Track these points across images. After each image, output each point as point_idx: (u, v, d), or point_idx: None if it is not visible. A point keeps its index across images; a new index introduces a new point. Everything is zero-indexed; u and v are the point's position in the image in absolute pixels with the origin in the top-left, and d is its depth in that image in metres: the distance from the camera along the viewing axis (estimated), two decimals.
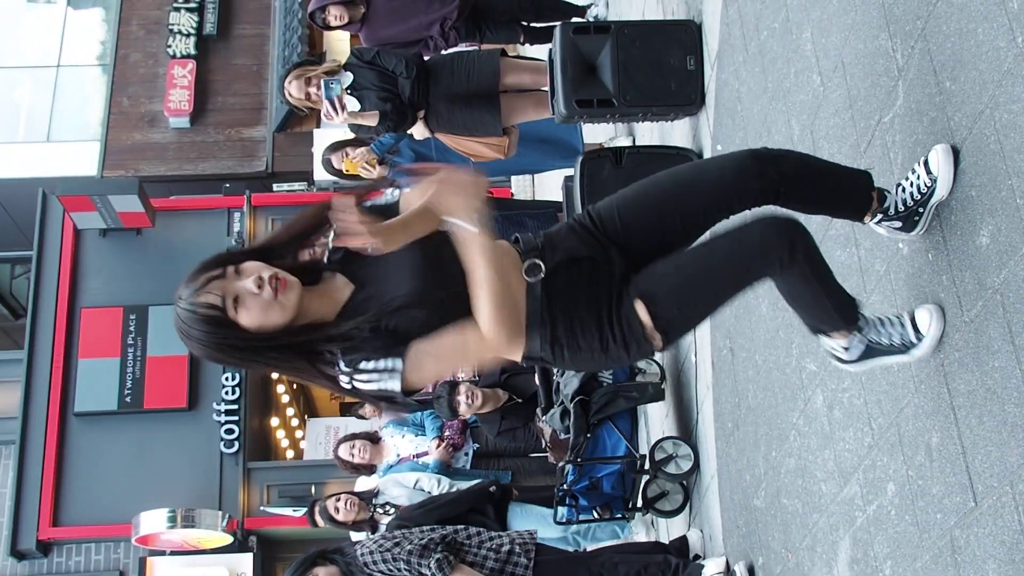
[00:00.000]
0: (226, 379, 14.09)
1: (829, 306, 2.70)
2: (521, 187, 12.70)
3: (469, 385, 6.87)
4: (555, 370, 5.88)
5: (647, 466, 5.43)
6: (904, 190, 2.74)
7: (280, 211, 15.61)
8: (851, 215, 2.85)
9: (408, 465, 6.94)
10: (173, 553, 13.69)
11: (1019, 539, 2.31)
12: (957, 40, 2.55)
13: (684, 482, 5.54)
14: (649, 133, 6.17)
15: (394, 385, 2.47)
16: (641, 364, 5.95)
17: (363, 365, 2.46)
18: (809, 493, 3.65)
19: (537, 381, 6.21)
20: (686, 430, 5.52)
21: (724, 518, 4.79)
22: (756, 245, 2.56)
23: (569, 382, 5.67)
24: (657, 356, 6.03)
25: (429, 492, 6.49)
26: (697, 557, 5.18)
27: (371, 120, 5.83)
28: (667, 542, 5.54)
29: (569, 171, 5.72)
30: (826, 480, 3.48)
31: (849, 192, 2.78)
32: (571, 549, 6.20)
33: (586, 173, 5.21)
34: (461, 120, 5.99)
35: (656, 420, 6.03)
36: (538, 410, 6.42)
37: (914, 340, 2.70)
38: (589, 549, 6.31)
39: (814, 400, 3.56)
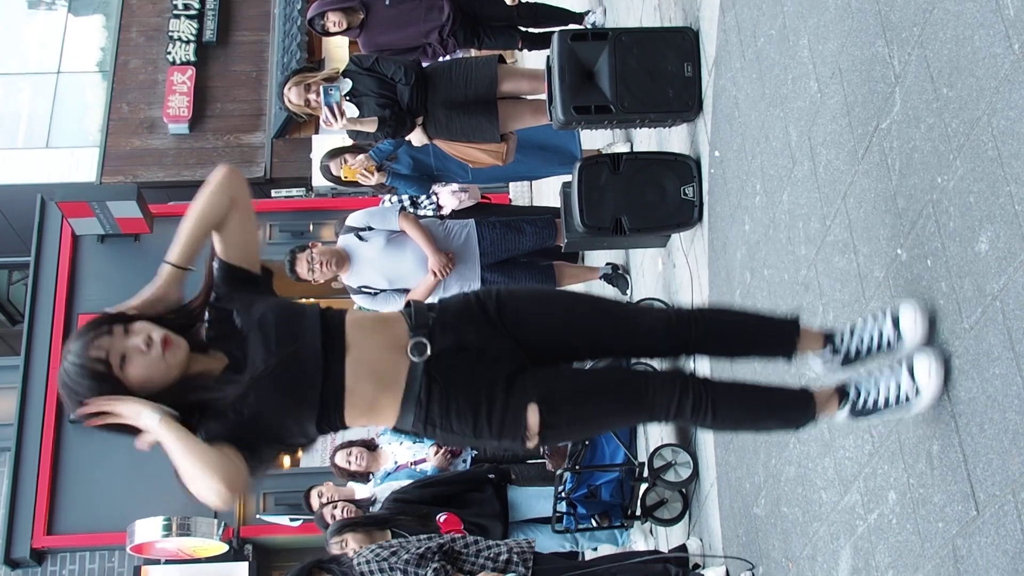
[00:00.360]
0: None
1: (768, 427, 2.90)
2: (519, 193, 12.69)
3: None
4: None
5: (646, 474, 5.41)
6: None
7: (279, 217, 15.59)
8: (779, 357, 2.91)
9: (405, 472, 6.92)
10: (168, 562, 13.64)
11: (1022, 548, 2.29)
12: (954, 46, 2.54)
13: (683, 490, 5.52)
14: (647, 139, 6.17)
15: None
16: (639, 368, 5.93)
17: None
18: (809, 501, 3.63)
19: None
20: (685, 437, 5.50)
21: (724, 526, 4.77)
22: (647, 401, 2.69)
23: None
24: (655, 361, 6.01)
25: None
26: (696, 566, 5.16)
27: (370, 126, 5.83)
28: (666, 551, 5.52)
29: (567, 177, 5.71)
30: (826, 488, 3.47)
31: (772, 340, 2.87)
32: (568, 547, 6.19)
33: (584, 179, 5.20)
34: (459, 127, 5.99)
35: (655, 427, 6.01)
36: None
37: (912, 393, 2.67)
38: (587, 552, 6.29)
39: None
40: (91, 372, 2.46)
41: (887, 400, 2.71)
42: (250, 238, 2.78)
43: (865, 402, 2.75)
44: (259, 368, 2.53)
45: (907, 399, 2.67)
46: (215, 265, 2.73)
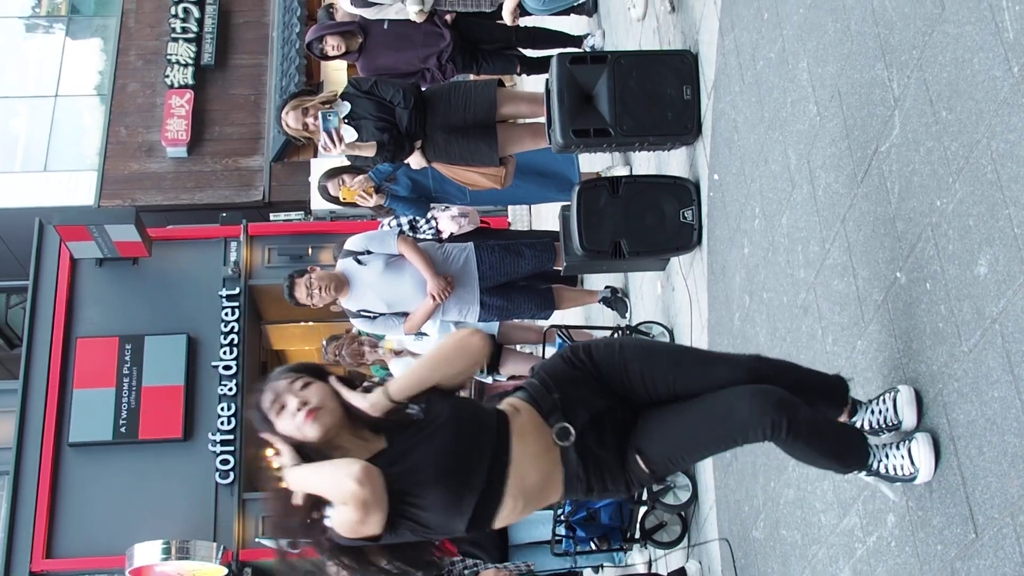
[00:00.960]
0: (221, 409, 14.05)
1: (833, 462, 2.90)
2: (518, 217, 12.71)
3: None
4: None
5: (645, 497, 5.40)
6: (887, 458, 2.89)
7: (277, 240, 15.61)
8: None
9: None
10: None
11: (1020, 571, 2.29)
12: (953, 70, 2.55)
13: (682, 513, 5.51)
14: (646, 163, 6.19)
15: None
16: None
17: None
18: (808, 524, 3.62)
19: None
20: None
21: (722, 549, 4.76)
22: (741, 424, 2.75)
23: None
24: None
25: None
26: None
27: (368, 151, 5.84)
28: (665, 574, 5.51)
29: (567, 201, 5.73)
30: (825, 511, 3.46)
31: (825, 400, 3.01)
32: (568, 568, 6.15)
33: (583, 202, 5.21)
34: (458, 150, 6.01)
35: None
36: None
37: (913, 471, 2.79)
38: (588, 572, 6.27)
39: None
40: (255, 401, 2.75)
41: (895, 471, 2.85)
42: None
43: (878, 469, 2.90)
44: (421, 465, 2.67)
45: (909, 476, 2.80)
46: None
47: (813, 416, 2.78)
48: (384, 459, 2.66)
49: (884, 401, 2.95)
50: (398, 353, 7.10)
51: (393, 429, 2.74)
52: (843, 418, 3.02)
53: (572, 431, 2.80)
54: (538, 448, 2.79)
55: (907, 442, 2.81)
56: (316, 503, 2.64)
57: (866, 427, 2.99)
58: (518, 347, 7.39)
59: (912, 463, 2.78)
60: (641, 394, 2.91)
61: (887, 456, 2.86)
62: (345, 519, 2.57)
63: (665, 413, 2.88)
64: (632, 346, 3.02)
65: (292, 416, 2.69)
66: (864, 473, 2.92)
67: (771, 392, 2.76)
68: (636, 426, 2.88)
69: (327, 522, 2.62)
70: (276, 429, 2.72)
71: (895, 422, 2.90)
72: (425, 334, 7.04)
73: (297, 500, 2.66)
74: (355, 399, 2.75)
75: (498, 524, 2.78)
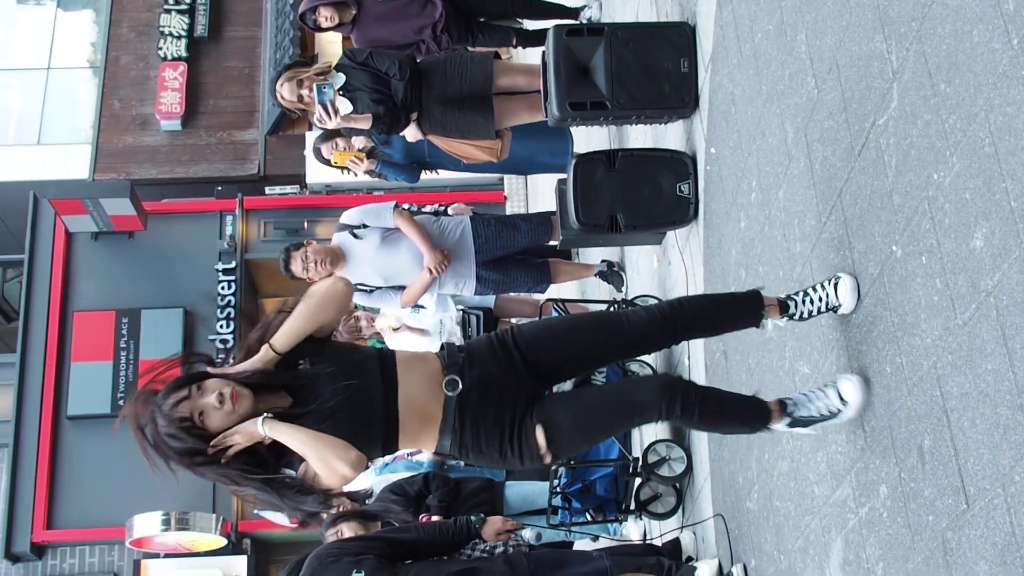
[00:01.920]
0: None
1: (735, 428, 3.41)
2: (514, 188, 12.70)
3: None
4: None
5: (640, 469, 5.43)
6: (811, 304, 3.33)
7: (272, 214, 15.60)
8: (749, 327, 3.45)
9: (403, 464, 6.93)
10: (167, 556, 13.67)
11: (1010, 541, 2.31)
12: (952, 42, 2.55)
13: (677, 484, 5.53)
14: (643, 136, 6.18)
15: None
16: (634, 367, 5.95)
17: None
18: (801, 495, 3.65)
19: None
20: (679, 433, 5.52)
21: (716, 520, 4.79)
22: (637, 404, 3.21)
23: (560, 385, 5.67)
24: (649, 358, 6.04)
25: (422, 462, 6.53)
26: (690, 559, 5.17)
27: (364, 123, 5.83)
28: (660, 544, 5.54)
29: (563, 175, 5.72)
30: (819, 482, 3.48)
31: (743, 314, 3.41)
32: (562, 537, 6.14)
33: (580, 176, 5.20)
34: (454, 123, 5.99)
35: (649, 424, 6.02)
36: None
37: (840, 407, 3.15)
38: (585, 541, 6.29)
39: None
40: (184, 431, 2.98)
41: (820, 415, 3.21)
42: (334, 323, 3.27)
43: (801, 417, 3.24)
44: (328, 403, 3.01)
45: (834, 412, 3.17)
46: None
47: (705, 393, 3.24)
48: (295, 411, 3.02)
49: (824, 287, 3.25)
50: (396, 330, 7.11)
51: (292, 386, 3.07)
52: (776, 319, 3.36)
53: (459, 384, 3.13)
54: (426, 387, 3.13)
55: (833, 385, 3.17)
56: (256, 456, 3.02)
57: (804, 315, 3.32)
58: (514, 320, 7.40)
59: (841, 399, 3.13)
60: (557, 368, 3.33)
61: (811, 403, 3.20)
62: (310, 474, 3.00)
63: (575, 392, 3.33)
64: (536, 325, 3.40)
65: (218, 410, 2.99)
66: (784, 424, 3.24)
67: (670, 378, 3.29)
68: (544, 400, 3.22)
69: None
70: (214, 429, 2.99)
71: (835, 304, 3.21)
72: (422, 306, 7.05)
73: (235, 440, 2.98)
74: (245, 366, 3.07)
75: (402, 446, 3.15)
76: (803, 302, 3.32)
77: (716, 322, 3.50)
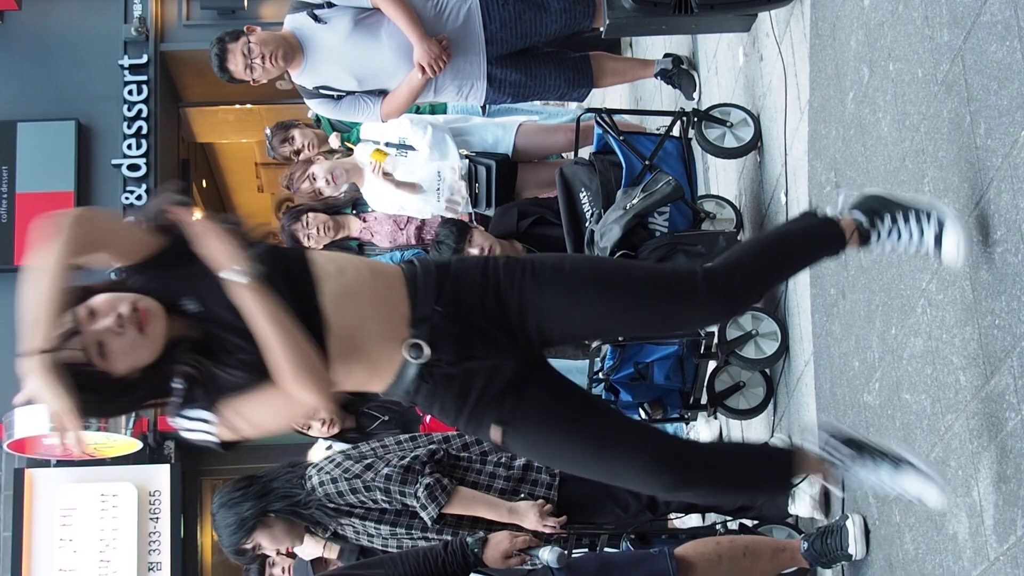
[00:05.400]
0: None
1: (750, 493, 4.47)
2: None
3: (486, 233, 6.83)
4: (588, 214, 5.87)
5: (716, 348, 5.47)
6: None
7: None
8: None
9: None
10: (61, 463, 13.88)
11: None
12: None
13: (766, 370, 5.58)
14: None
15: (211, 437, 3.24)
16: (709, 206, 5.94)
17: (184, 411, 3.18)
18: (941, 386, 3.67)
19: (564, 225, 6.20)
20: (770, 298, 5.54)
21: (822, 420, 4.84)
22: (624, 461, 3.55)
23: (608, 230, 5.65)
24: (731, 196, 6.02)
25: None
26: None
27: None
28: None
29: None
30: (966, 368, 3.50)
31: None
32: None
33: None
34: None
35: None
36: None
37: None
38: None
39: None
40: (77, 379, 2.90)
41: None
42: (132, 235, 3.19)
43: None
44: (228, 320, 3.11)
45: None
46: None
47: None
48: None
49: (927, 219, 3.50)
50: (387, 175, 7.17)
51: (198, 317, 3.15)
52: (854, 246, 3.66)
53: (425, 354, 3.31)
54: (377, 330, 3.30)
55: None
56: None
57: (885, 248, 3.64)
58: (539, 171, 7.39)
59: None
60: (567, 335, 3.67)
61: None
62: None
63: (557, 407, 3.51)
64: (567, 278, 3.49)
65: (120, 338, 2.99)
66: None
67: (662, 450, 3.59)
68: (517, 394, 3.44)
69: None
70: (116, 371, 3.00)
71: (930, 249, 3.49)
72: (410, 146, 7.05)
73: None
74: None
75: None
76: (888, 233, 3.59)
77: (785, 271, 3.97)
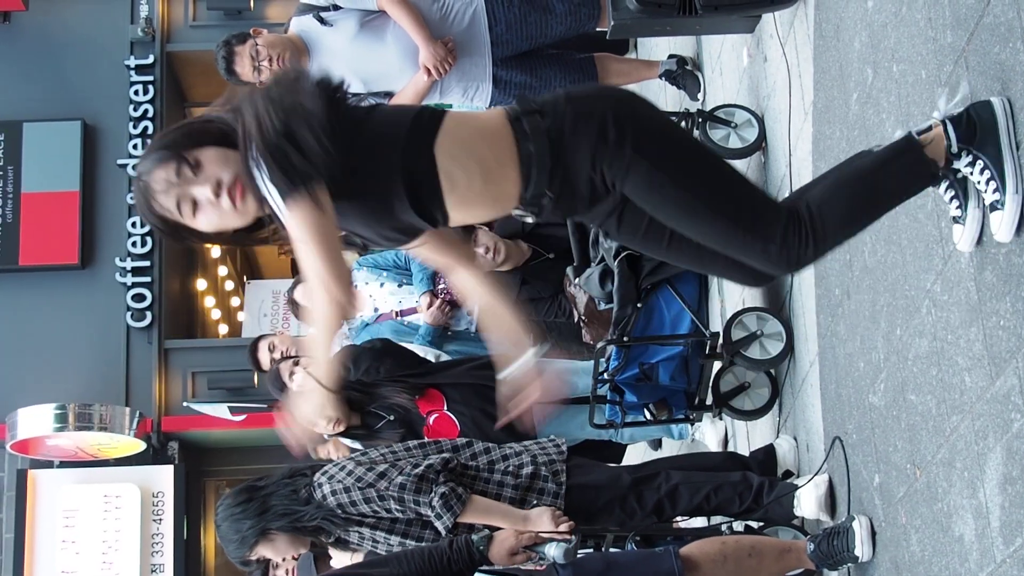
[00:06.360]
0: (133, 225, 14.07)
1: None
2: None
3: (490, 233, 6.81)
4: None
5: (721, 349, 5.46)
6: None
7: None
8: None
9: (389, 325, 6.96)
10: (64, 464, 13.85)
11: None
12: None
13: (772, 371, 5.58)
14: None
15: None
16: None
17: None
18: (947, 387, 3.67)
19: (568, 225, 6.20)
20: (776, 298, 5.54)
21: (827, 421, 4.84)
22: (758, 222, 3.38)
23: None
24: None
25: None
26: (789, 474, 5.24)
27: None
28: (747, 454, 5.61)
29: None
30: (971, 369, 3.50)
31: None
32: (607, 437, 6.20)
33: None
34: None
35: (734, 284, 6.04)
36: (569, 270, 6.42)
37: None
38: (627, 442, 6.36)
39: (958, 257, 3.56)
40: (158, 221, 3.14)
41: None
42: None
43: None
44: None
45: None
46: None
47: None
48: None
49: (998, 180, 3.25)
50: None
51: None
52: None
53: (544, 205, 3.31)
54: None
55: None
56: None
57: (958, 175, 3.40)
58: None
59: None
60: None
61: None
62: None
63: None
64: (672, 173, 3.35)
65: (213, 207, 3.10)
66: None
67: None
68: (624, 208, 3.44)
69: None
70: (197, 230, 3.16)
71: (994, 193, 3.24)
72: None
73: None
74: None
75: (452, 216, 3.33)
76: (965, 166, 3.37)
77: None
